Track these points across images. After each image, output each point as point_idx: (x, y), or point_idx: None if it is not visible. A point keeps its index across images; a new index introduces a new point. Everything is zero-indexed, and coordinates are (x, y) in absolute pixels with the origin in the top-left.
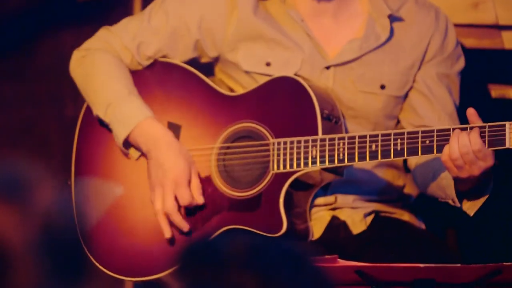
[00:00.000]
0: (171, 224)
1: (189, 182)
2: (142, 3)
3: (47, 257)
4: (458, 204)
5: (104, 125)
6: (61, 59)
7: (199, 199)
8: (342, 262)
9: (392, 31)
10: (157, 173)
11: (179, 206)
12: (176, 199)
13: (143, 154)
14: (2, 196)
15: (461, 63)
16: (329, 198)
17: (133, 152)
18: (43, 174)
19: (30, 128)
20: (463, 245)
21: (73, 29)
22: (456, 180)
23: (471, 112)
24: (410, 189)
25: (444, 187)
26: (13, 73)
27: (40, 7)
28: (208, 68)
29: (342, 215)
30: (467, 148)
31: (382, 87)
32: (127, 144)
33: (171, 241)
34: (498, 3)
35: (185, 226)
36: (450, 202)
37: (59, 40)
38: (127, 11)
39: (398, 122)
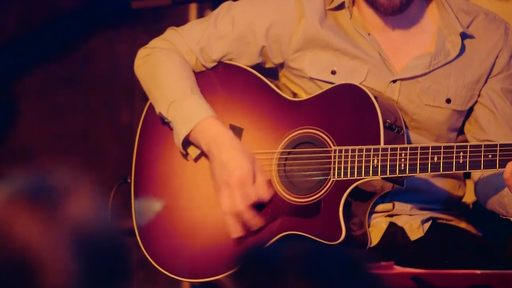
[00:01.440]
0: (241, 224)
1: (254, 180)
2: (197, 11)
3: (98, 261)
4: None
5: (166, 123)
6: (116, 66)
7: (265, 196)
8: (398, 269)
9: (462, 48)
10: (222, 173)
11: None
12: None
13: (203, 154)
14: (47, 202)
15: None
16: (387, 206)
17: (191, 151)
18: (92, 181)
19: (85, 135)
20: None
21: (128, 37)
22: None
23: None
24: (469, 199)
25: (505, 204)
26: (68, 80)
27: (96, 16)
28: (273, 72)
29: (400, 221)
30: None
31: (448, 101)
32: (187, 142)
33: (231, 244)
34: None
35: (257, 223)
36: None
37: (114, 48)
38: (182, 19)
39: (459, 134)
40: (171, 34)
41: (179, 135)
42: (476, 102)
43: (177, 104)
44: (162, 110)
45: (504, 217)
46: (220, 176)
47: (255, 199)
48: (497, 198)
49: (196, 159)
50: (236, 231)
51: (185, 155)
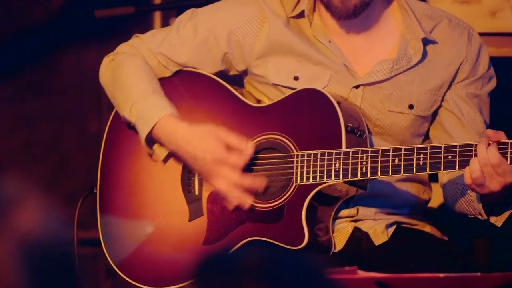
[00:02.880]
0: (246, 192)
1: (228, 148)
2: (162, 19)
3: (47, 271)
4: (485, 217)
5: (131, 131)
6: (83, 75)
7: (249, 151)
8: (361, 274)
9: (424, 53)
10: (199, 165)
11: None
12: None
13: (171, 155)
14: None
15: (492, 84)
16: (351, 211)
17: (158, 150)
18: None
19: (53, 144)
20: (495, 254)
21: (94, 46)
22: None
23: (489, 134)
24: (435, 203)
25: (472, 201)
26: (36, 90)
27: (63, 25)
28: (237, 80)
29: (364, 226)
30: (485, 161)
31: (411, 106)
32: (151, 142)
33: (195, 251)
34: None
35: (261, 181)
36: (479, 216)
37: (81, 57)
38: (148, 27)
39: (424, 139)
40: (134, 40)
41: (142, 134)
42: (440, 107)
43: (138, 105)
44: (125, 113)
45: (472, 216)
46: (200, 168)
47: (243, 162)
48: (464, 196)
49: (165, 160)
50: (247, 201)
51: (151, 160)
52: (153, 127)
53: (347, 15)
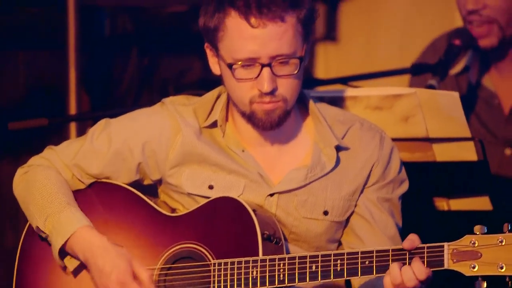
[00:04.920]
0: None
1: (135, 277)
2: (77, 129)
3: None
4: None
5: (44, 241)
6: None
7: None
8: None
9: (337, 160)
10: (101, 280)
11: None
12: None
13: (82, 266)
14: None
15: (404, 187)
16: None
17: (68, 262)
18: None
19: None
20: None
21: (10, 159)
22: None
23: (405, 246)
24: None
25: None
26: None
27: None
28: (152, 190)
29: None
30: (414, 282)
31: (325, 213)
32: (64, 253)
33: None
34: (427, 117)
35: None
36: None
37: None
38: (64, 137)
39: (339, 245)
40: (48, 152)
41: (55, 246)
42: (353, 212)
43: (53, 217)
44: (39, 225)
45: None
46: (100, 282)
47: None
48: None
49: (75, 273)
50: None
51: (65, 270)
52: (68, 239)
53: (271, 126)
